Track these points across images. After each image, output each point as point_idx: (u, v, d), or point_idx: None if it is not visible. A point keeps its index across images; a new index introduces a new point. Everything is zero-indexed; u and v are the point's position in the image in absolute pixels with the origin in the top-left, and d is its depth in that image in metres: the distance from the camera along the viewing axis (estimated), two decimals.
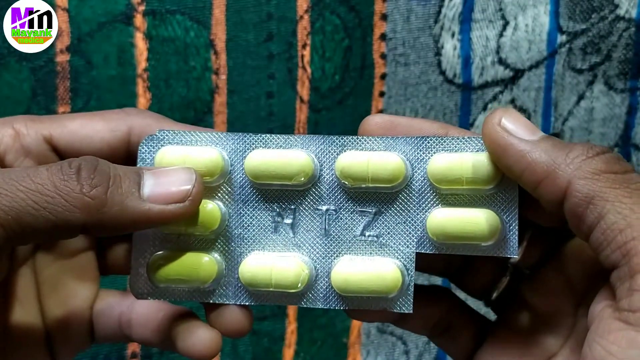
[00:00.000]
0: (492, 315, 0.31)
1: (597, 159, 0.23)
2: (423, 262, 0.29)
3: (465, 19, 0.46)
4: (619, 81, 0.49)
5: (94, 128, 0.28)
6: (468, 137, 0.26)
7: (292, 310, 0.48)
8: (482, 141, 0.26)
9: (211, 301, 0.28)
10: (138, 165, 0.28)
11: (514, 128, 0.24)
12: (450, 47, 0.46)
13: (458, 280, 0.31)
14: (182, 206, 0.25)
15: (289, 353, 0.48)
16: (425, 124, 0.27)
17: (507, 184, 0.26)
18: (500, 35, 0.47)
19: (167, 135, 0.28)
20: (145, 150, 0.28)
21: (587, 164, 0.23)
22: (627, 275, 0.21)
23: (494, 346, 0.29)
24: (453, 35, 0.46)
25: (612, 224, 0.22)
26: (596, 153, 0.23)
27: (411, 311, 0.27)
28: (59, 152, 0.28)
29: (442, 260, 0.30)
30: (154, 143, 0.28)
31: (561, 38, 0.47)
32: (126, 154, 0.28)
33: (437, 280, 0.47)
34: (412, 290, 0.27)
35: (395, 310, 0.27)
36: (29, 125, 0.28)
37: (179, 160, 0.27)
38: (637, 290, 0.21)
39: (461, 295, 0.31)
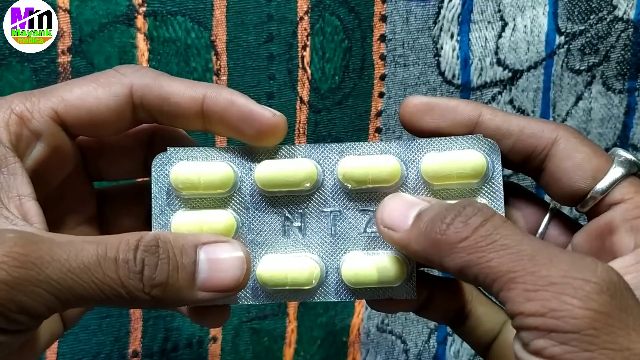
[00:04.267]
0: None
1: (450, 232, 0.24)
2: None
3: (464, 20, 0.46)
4: (617, 82, 0.49)
5: (96, 97, 0.28)
6: (454, 137, 0.29)
7: (292, 310, 0.48)
8: (467, 140, 0.29)
9: (239, 303, 0.29)
10: (153, 183, 0.29)
11: (391, 222, 0.26)
12: (449, 48, 0.46)
13: None
14: (230, 294, 0.26)
15: (289, 352, 0.48)
16: (461, 104, 0.29)
17: (492, 177, 0.29)
18: (499, 36, 0.47)
19: (177, 152, 0.29)
20: (158, 168, 0.29)
21: (445, 240, 0.24)
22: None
23: (510, 336, 0.30)
24: (452, 36, 0.46)
25: (482, 283, 0.23)
26: (450, 222, 0.24)
27: (415, 297, 0.29)
28: (67, 128, 0.28)
29: None
30: (164, 160, 0.29)
31: (559, 39, 0.48)
32: (132, 115, 0.29)
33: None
34: (415, 277, 0.29)
35: (401, 297, 0.29)
36: (28, 106, 0.27)
37: (194, 178, 0.28)
38: (517, 337, 0.23)
39: None
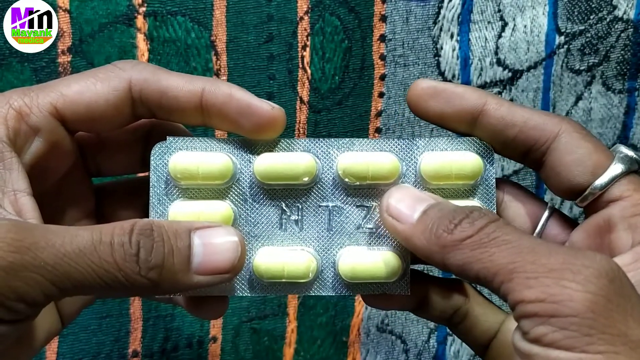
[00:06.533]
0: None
1: (457, 231, 0.24)
2: None
3: (464, 20, 0.46)
4: (617, 82, 0.49)
5: (94, 92, 0.28)
6: (452, 138, 0.29)
7: (292, 309, 0.48)
8: (463, 141, 0.29)
9: (235, 294, 0.30)
10: (151, 171, 0.29)
11: (397, 212, 0.27)
12: (449, 48, 0.46)
13: None
14: (226, 276, 0.26)
15: (289, 352, 0.48)
16: (467, 91, 0.29)
17: (486, 178, 0.29)
18: (499, 36, 0.47)
19: (177, 141, 0.29)
20: (157, 157, 0.29)
21: (450, 238, 0.24)
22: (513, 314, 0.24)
23: (508, 336, 0.29)
24: (452, 36, 0.46)
25: (483, 279, 0.24)
26: (458, 222, 0.25)
27: (409, 293, 0.29)
28: (66, 123, 0.28)
29: None
30: (164, 149, 0.29)
31: (559, 39, 0.48)
32: (131, 110, 0.28)
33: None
34: (409, 274, 0.29)
35: (395, 293, 0.29)
36: (27, 101, 0.27)
37: (193, 167, 0.28)
38: (518, 327, 0.23)
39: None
